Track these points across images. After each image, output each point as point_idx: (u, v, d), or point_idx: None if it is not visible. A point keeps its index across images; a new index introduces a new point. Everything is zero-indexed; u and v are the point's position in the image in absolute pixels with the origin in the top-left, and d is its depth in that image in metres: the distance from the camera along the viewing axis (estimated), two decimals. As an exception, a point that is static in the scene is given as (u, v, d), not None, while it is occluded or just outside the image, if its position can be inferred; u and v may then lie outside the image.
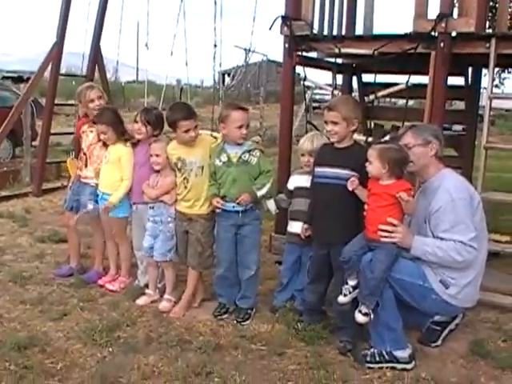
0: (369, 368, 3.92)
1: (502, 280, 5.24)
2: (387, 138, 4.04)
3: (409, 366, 3.92)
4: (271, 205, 4.81)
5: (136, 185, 5.02)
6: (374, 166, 3.91)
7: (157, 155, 4.74)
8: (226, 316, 4.67)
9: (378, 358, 3.94)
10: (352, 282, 4.00)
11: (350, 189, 4.03)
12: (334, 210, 4.21)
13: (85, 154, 5.36)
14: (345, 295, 4.02)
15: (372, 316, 3.91)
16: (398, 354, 3.93)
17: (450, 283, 3.94)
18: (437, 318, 4.29)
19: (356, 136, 5.18)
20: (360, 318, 3.92)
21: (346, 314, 4.07)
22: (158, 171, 4.84)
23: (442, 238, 3.90)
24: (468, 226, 3.89)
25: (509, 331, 4.54)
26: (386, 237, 3.87)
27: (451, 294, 3.96)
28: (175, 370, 3.78)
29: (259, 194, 4.52)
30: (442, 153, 4.20)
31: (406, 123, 5.28)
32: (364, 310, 3.91)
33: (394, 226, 3.87)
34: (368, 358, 3.96)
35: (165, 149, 4.74)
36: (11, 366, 3.75)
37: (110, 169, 5.10)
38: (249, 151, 4.53)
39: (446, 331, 4.32)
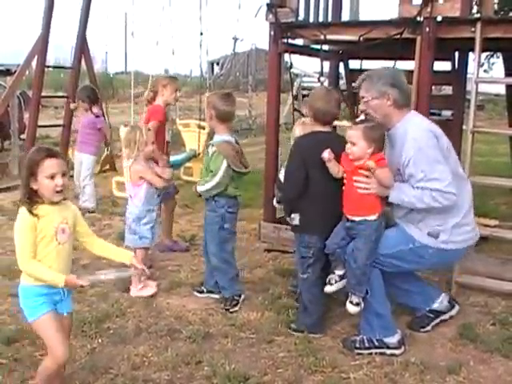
0: (358, 354, 3.92)
1: (490, 264, 5.25)
2: (362, 116, 3.94)
3: (398, 352, 3.92)
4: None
5: None
6: (359, 147, 3.74)
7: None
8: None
9: (367, 344, 3.95)
10: (339, 272, 3.99)
11: (327, 158, 3.87)
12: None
13: None
14: (331, 284, 4.02)
15: (362, 305, 3.90)
16: (388, 340, 3.94)
17: (439, 230, 3.86)
18: (435, 306, 4.29)
19: (345, 122, 5.18)
20: (351, 308, 3.91)
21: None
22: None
23: (418, 188, 3.76)
24: (443, 168, 3.74)
25: (498, 315, 4.56)
26: (363, 188, 3.75)
27: (444, 240, 3.86)
28: (165, 360, 3.79)
29: (198, 188, 4.58)
30: (404, 100, 3.97)
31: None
32: (355, 300, 3.89)
33: (370, 170, 3.72)
34: (357, 345, 3.97)
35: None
36: (1, 360, 3.75)
37: None
38: (212, 145, 4.60)
39: (438, 320, 4.31)
